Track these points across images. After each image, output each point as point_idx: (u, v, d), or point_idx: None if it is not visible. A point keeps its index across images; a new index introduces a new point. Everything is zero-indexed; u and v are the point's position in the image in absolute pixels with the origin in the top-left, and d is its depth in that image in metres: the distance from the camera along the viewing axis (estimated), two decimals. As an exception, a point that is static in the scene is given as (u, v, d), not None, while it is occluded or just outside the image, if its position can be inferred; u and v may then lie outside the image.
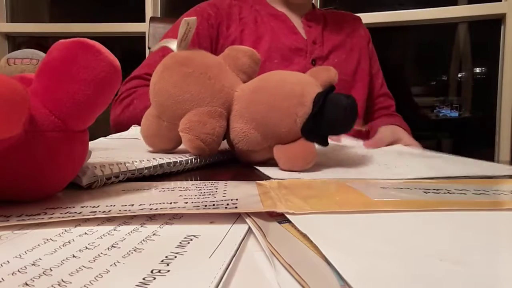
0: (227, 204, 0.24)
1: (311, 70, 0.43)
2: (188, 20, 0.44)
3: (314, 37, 0.84)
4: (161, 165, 0.36)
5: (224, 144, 0.45)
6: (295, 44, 0.81)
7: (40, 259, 0.17)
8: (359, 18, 0.98)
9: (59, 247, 0.18)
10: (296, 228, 0.20)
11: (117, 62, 0.26)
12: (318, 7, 1.22)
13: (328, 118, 0.38)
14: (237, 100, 0.42)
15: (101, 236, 0.20)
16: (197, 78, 0.42)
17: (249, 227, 0.21)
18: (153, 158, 0.36)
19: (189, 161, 0.40)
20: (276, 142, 0.40)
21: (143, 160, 0.35)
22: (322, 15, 0.90)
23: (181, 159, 0.39)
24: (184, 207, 0.24)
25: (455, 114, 1.65)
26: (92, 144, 0.50)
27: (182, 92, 0.42)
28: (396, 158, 0.50)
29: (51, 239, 0.19)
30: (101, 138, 0.69)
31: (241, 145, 0.42)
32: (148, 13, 1.67)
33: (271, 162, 0.41)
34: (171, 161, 0.37)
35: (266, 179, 0.34)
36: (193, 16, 0.45)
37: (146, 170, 0.35)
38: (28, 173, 0.24)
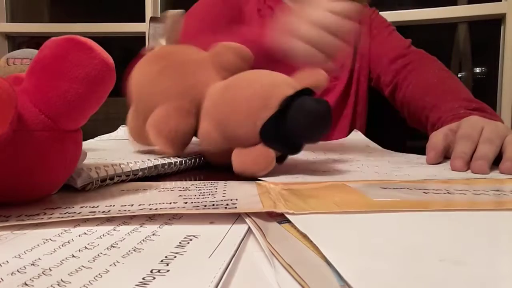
0: (227, 204, 0.24)
1: (300, 73, 0.40)
2: (171, 14, 0.44)
3: None
4: (155, 166, 0.36)
5: None
6: None
7: (39, 259, 0.16)
8: None
9: (59, 247, 0.18)
10: (296, 228, 0.20)
11: (110, 59, 0.25)
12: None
13: (290, 123, 0.34)
14: (207, 98, 0.40)
15: (100, 236, 0.19)
16: (170, 73, 0.41)
17: (249, 227, 0.21)
18: (148, 159, 0.36)
19: (183, 162, 0.40)
20: (236, 145, 0.37)
21: (138, 162, 0.35)
22: None
23: (175, 160, 0.39)
24: (184, 207, 0.24)
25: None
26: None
27: (154, 85, 0.41)
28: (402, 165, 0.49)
29: (50, 239, 0.19)
30: (90, 140, 0.69)
31: (204, 145, 0.40)
32: (148, 13, 1.67)
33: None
34: (166, 162, 0.37)
35: (265, 180, 0.34)
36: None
37: (140, 172, 0.35)
38: (17, 174, 0.23)
